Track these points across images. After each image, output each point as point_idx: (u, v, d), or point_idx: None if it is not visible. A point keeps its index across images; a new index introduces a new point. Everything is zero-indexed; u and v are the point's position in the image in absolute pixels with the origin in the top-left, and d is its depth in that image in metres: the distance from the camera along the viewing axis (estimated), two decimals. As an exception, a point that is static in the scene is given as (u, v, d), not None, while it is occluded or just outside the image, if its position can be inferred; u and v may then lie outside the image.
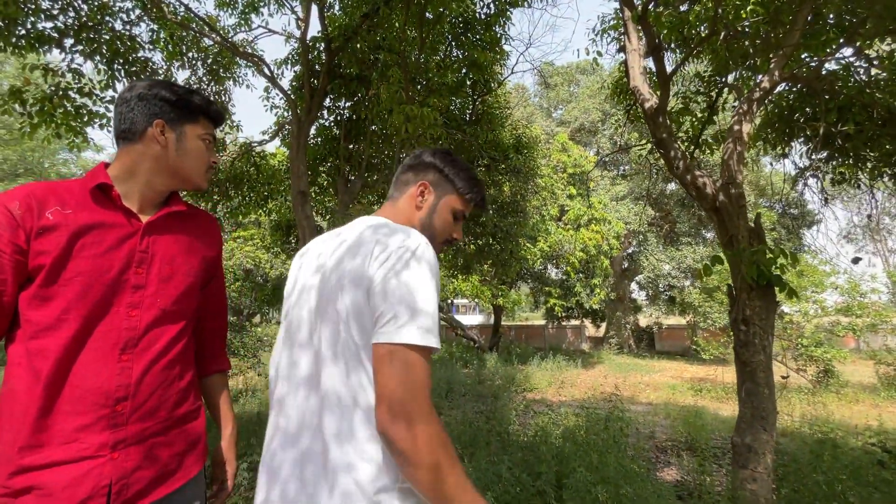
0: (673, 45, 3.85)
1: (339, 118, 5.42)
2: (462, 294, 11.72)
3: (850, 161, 3.80)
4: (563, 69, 21.25)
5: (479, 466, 3.09)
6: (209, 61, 5.41)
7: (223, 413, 1.13)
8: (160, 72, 5.02)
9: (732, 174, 2.89)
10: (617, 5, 3.54)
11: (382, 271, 0.79)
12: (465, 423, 5.12)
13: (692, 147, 4.04)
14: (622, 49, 3.63)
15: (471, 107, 5.95)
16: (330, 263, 0.87)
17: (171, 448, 0.94)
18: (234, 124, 6.09)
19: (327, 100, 5.19)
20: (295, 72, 5.11)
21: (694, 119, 4.10)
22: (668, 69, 3.19)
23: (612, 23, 3.96)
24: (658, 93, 3.11)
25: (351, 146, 5.30)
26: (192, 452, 0.99)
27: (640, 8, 2.73)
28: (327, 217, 7.23)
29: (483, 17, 4.72)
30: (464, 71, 4.93)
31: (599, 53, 3.92)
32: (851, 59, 3.28)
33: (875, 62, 3.27)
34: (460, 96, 5.59)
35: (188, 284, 1.00)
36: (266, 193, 6.46)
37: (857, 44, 2.94)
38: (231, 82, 5.77)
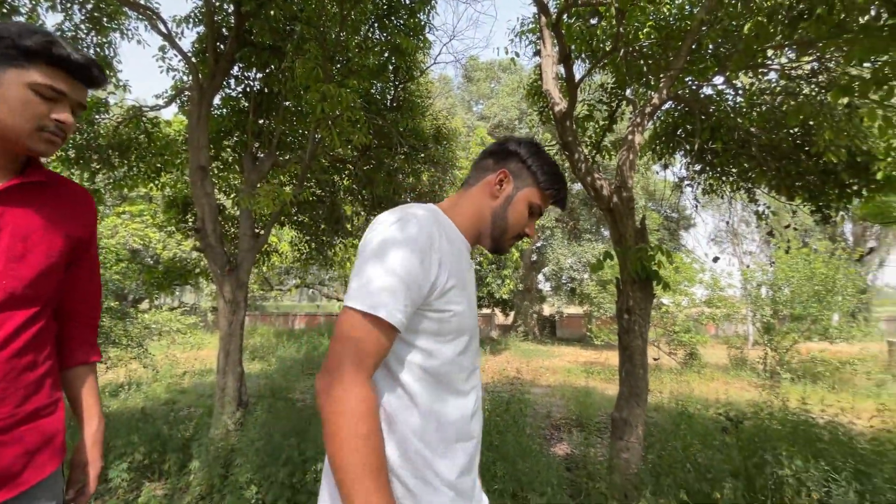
0: (583, 56, 4.15)
1: (247, 90, 5.02)
2: (377, 282, 11.62)
3: (717, 175, 4.42)
4: (486, 65, 21.77)
5: (385, 452, 3.14)
6: (89, 7, 4.66)
7: (88, 408, 1.02)
8: (22, 11, 4.22)
9: (625, 179, 3.22)
10: (535, 10, 3.72)
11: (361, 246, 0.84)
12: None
13: (594, 151, 4.41)
14: (538, 53, 3.83)
15: (392, 92, 5.86)
16: None
17: (18, 447, 0.83)
18: (121, 83, 5.34)
19: (235, 68, 4.76)
20: (198, 32, 4.60)
21: (596, 126, 4.48)
22: (577, 77, 3.43)
23: (530, 26, 4.15)
24: (566, 98, 3.34)
25: (261, 121, 4.94)
26: (45, 450, 0.87)
27: (554, 16, 2.90)
28: (231, 195, 6.70)
29: (407, 2, 4.65)
30: (386, 55, 4.83)
31: (517, 54, 4.09)
32: (722, 87, 3.81)
33: (739, 91, 3.83)
34: (381, 80, 5.47)
35: (46, 265, 0.87)
36: (159, 165, 5.78)
37: (728, 74, 3.42)
38: (118, 35, 5.03)
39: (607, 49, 3.41)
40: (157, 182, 6.02)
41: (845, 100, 2.89)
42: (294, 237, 7.88)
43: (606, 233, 18.98)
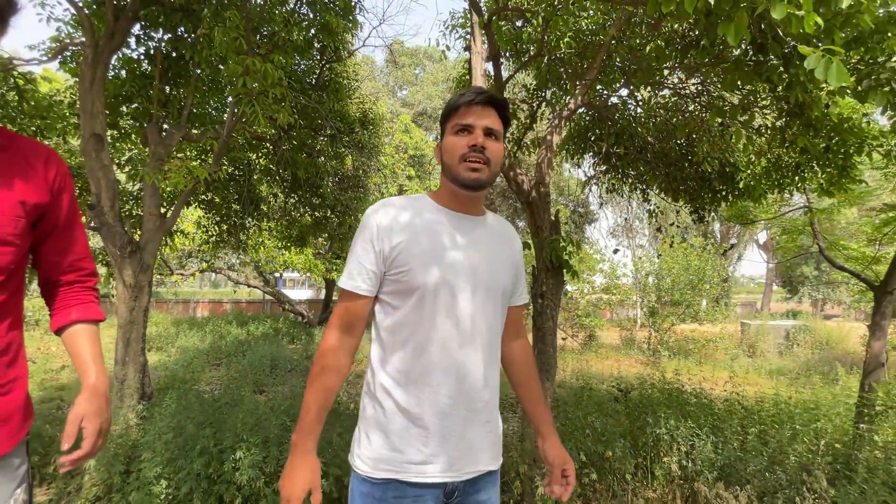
0: (507, 56, 4.38)
1: (151, 52, 4.51)
2: (293, 267, 11.17)
3: (619, 176, 4.96)
4: (412, 51, 21.58)
5: (309, 436, 3.14)
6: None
7: (84, 362, 0.97)
8: None
9: (543, 175, 3.51)
10: (467, 5, 3.84)
11: None
12: (293, 397, 5.02)
13: (516, 148, 4.70)
14: (468, 48, 3.97)
15: (317, 72, 5.64)
16: None
17: None
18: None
19: (137, 26, 4.26)
20: (91, -20, 4.02)
21: (518, 124, 4.76)
22: (504, 76, 3.64)
23: (461, 21, 4.27)
24: (494, 96, 3.52)
25: (168, 89, 4.48)
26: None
27: (486, 16, 3.05)
28: (127, 168, 6.00)
29: (337, -21, 4.50)
30: (313, 32, 4.64)
31: (448, 47, 4.20)
32: (626, 98, 4.28)
33: (640, 103, 4.34)
34: (306, 58, 5.24)
35: None
36: (34, 129, 4.99)
37: (632, 87, 3.86)
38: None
39: (532, 52, 3.65)
40: (30, 148, 5.18)
41: (719, 119, 3.44)
42: (201, 217, 7.27)
43: (520, 223, 20.06)
